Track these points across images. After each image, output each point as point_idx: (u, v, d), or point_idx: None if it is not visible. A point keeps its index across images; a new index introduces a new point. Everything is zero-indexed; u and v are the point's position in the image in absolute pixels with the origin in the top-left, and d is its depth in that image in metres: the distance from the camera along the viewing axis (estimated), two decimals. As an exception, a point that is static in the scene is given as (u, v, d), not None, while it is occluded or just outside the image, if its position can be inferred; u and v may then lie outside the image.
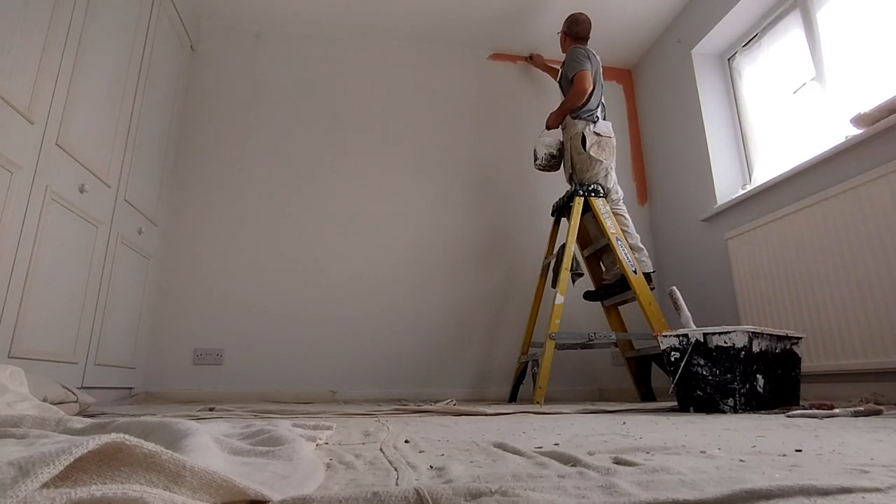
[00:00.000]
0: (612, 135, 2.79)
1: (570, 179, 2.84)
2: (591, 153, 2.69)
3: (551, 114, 2.92)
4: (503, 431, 1.12)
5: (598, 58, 2.89)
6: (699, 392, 1.66)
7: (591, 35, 2.98)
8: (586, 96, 2.74)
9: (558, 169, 2.96)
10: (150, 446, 0.41)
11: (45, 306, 1.81)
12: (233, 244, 2.95)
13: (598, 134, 2.73)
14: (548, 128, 2.94)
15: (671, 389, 1.73)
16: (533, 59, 3.59)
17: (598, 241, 2.79)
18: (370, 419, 1.46)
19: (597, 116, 2.78)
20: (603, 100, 2.86)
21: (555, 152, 2.88)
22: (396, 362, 2.93)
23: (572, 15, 2.99)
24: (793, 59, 2.63)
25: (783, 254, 2.34)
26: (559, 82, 3.01)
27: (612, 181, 2.76)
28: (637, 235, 2.74)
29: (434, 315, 3.05)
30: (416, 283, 3.09)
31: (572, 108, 2.78)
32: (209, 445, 0.60)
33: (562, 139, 2.90)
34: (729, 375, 1.60)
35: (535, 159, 2.92)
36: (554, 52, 3.64)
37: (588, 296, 2.86)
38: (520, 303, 3.13)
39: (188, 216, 2.95)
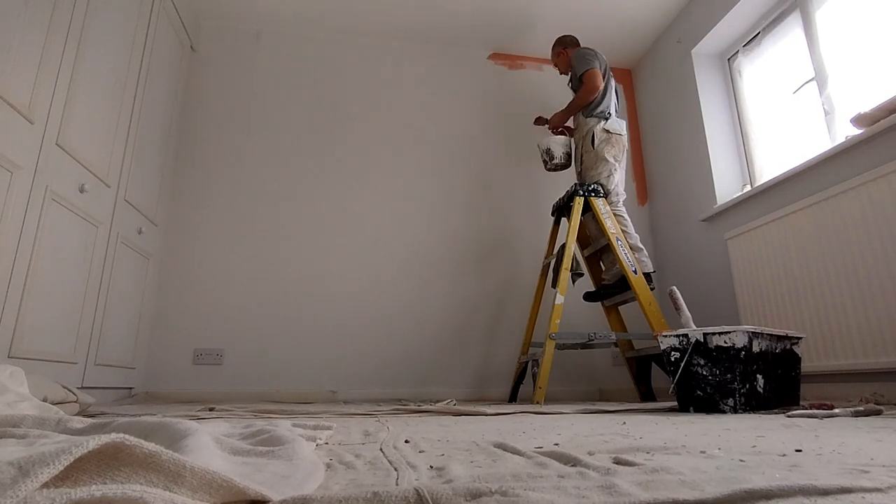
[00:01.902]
0: (624, 132, 2.75)
1: (580, 177, 2.84)
2: (599, 150, 2.69)
3: (556, 113, 2.93)
4: (503, 431, 1.12)
5: (605, 57, 2.89)
6: (699, 392, 1.66)
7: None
8: (598, 93, 2.73)
9: (569, 167, 2.96)
10: (150, 446, 0.41)
11: (45, 306, 1.81)
12: (233, 244, 2.95)
13: (607, 131, 2.71)
14: (553, 127, 2.94)
15: (671, 389, 1.73)
16: (550, 122, 3.02)
17: (598, 241, 2.79)
18: (370, 419, 1.46)
19: (609, 113, 2.76)
20: (616, 98, 2.85)
21: (570, 150, 2.88)
22: (396, 362, 2.93)
23: (564, 35, 3.04)
24: (793, 59, 2.63)
25: (783, 254, 2.34)
26: (570, 85, 2.98)
27: (615, 182, 2.73)
28: (636, 235, 2.74)
29: (434, 315, 3.05)
30: (416, 283, 3.09)
31: (582, 106, 2.77)
32: (209, 445, 0.60)
33: (571, 138, 2.90)
34: (729, 375, 1.60)
35: (552, 158, 2.88)
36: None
37: (588, 296, 2.85)
38: (520, 303, 3.12)
39: (188, 216, 2.95)
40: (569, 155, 2.89)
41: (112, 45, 2.23)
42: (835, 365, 2.06)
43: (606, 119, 2.73)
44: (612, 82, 2.85)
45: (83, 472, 0.38)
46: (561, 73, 3.11)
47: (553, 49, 3.07)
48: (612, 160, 2.70)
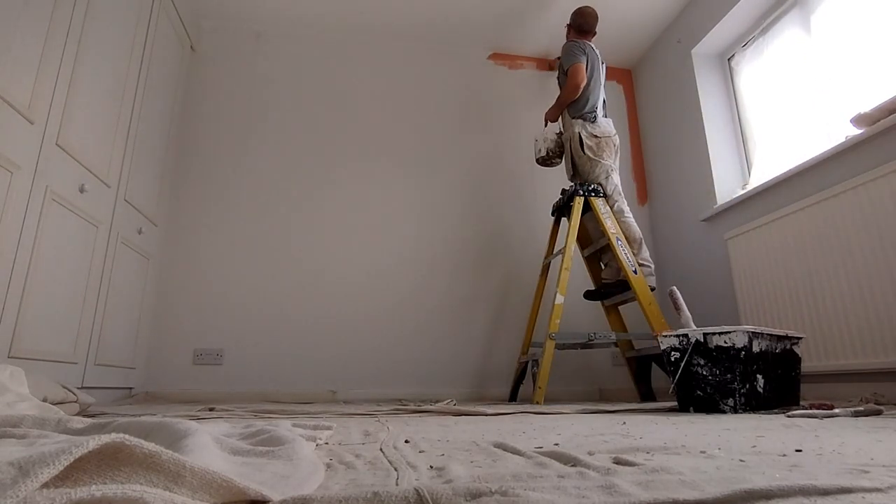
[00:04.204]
0: (613, 133, 2.75)
1: (572, 179, 2.84)
2: (590, 155, 2.69)
3: (550, 108, 2.93)
4: (503, 431, 1.12)
5: (599, 53, 2.87)
6: (699, 392, 1.66)
7: (596, 30, 2.95)
8: (580, 90, 2.71)
9: (559, 164, 2.96)
10: (150, 446, 0.41)
11: (45, 306, 1.81)
12: (233, 244, 2.95)
13: (595, 136, 2.69)
14: (548, 121, 2.95)
15: (671, 389, 1.73)
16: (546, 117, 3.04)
17: (598, 240, 2.79)
18: (370, 419, 1.46)
19: (594, 115, 2.73)
20: (604, 97, 2.83)
21: (552, 147, 2.89)
22: (396, 362, 2.93)
23: (579, 7, 2.95)
24: (792, 59, 2.63)
25: (783, 254, 2.34)
26: (557, 77, 3.00)
27: (613, 183, 2.72)
28: (639, 229, 2.71)
29: (434, 315, 3.05)
30: (416, 283, 3.09)
31: (567, 102, 2.77)
32: (209, 445, 0.60)
33: (560, 133, 2.91)
34: (729, 375, 1.60)
35: (537, 152, 2.94)
36: (556, 51, 3.65)
37: (588, 295, 2.85)
38: (520, 303, 3.12)
39: (188, 216, 2.95)
40: (551, 151, 2.89)
41: (112, 45, 2.22)
42: (835, 365, 2.06)
43: (592, 121, 2.70)
44: (602, 79, 2.83)
45: (83, 472, 0.38)
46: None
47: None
48: (606, 161, 2.69)
